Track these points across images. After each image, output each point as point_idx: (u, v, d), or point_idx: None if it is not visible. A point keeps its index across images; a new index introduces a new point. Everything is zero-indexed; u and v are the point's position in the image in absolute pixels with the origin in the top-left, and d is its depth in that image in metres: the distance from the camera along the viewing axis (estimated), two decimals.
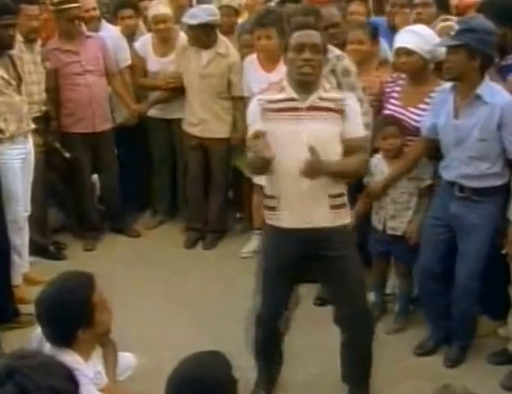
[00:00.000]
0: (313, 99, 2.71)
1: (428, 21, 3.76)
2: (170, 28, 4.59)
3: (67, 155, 4.45)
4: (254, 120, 2.78)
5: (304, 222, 2.73)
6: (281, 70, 4.09)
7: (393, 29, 4.27)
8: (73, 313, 2.15)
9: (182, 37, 4.63)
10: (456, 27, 3.06)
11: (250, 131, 2.78)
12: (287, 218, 2.76)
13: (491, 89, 3.03)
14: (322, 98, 2.72)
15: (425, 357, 3.40)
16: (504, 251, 3.09)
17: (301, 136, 2.66)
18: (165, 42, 4.63)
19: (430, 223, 3.30)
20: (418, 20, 3.86)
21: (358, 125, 2.80)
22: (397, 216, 3.47)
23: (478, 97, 3.01)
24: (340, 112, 2.72)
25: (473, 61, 2.98)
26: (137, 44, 4.72)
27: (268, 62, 4.21)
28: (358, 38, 3.84)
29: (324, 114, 2.71)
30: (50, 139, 4.41)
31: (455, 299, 3.25)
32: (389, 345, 3.45)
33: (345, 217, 2.82)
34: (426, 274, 3.33)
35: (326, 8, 4.56)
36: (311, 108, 2.70)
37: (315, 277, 3.09)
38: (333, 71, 3.54)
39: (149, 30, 4.75)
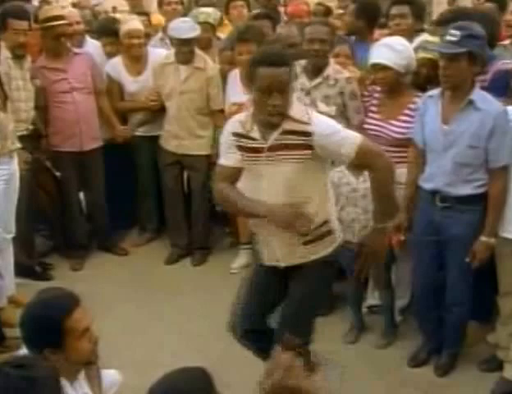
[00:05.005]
0: (274, 137, 2.50)
1: (406, 32, 3.72)
2: (143, 44, 4.58)
3: (57, 174, 4.42)
4: (226, 152, 2.65)
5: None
6: None
7: None
8: (38, 332, 2.10)
9: (159, 53, 4.61)
10: (456, 33, 2.90)
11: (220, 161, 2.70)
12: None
13: (483, 96, 2.99)
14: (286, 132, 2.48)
15: (416, 367, 3.40)
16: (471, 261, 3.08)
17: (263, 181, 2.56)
18: (138, 60, 4.58)
19: (416, 240, 3.28)
20: (396, 32, 3.78)
21: (343, 142, 2.50)
22: (368, 226, 3.32)
23: (471, 102, 2.97)
24: (309, 147, 2.48)
25: (473, 67, 2.94)
26: (108, 67, 4.63)
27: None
28: (345, 53, 3.99)
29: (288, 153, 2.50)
30: (41, 158, 4.36)
31: (447, 307, 3.25)
32: (379, 356, 3.45)
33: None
34: (421, 288, 3.33)
35: (286, 27, 4.55)
36: (272, 149, 2.51)
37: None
38: (341, 94, 3.65)
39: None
